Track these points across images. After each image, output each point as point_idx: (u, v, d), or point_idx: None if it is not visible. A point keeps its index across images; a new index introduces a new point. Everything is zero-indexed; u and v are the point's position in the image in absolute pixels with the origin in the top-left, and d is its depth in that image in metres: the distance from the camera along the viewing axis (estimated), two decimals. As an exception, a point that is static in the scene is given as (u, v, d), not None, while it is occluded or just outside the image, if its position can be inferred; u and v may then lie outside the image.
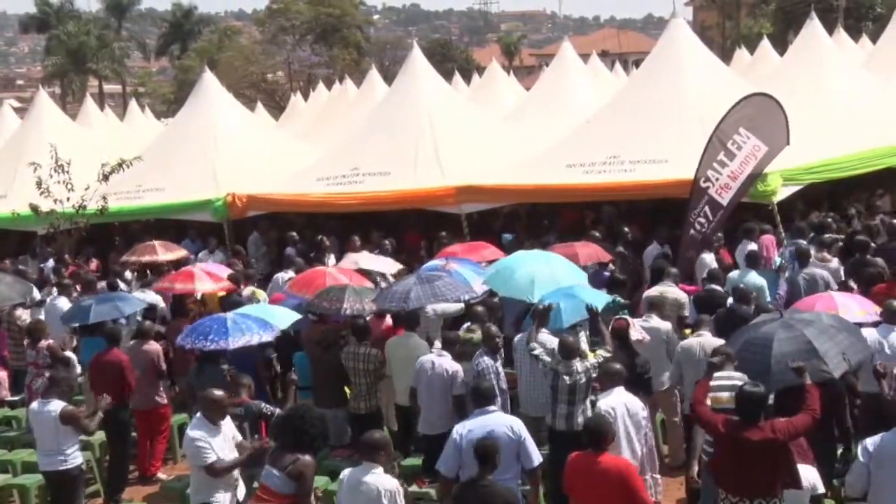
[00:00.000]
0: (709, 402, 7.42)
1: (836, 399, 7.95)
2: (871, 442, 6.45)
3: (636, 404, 7.70)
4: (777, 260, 12.09)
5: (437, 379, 8.89)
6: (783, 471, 6.47)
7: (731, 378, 7.46)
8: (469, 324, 10.04)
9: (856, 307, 9.01)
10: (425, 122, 16.97)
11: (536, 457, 7.18)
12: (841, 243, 12.58)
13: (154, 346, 10.41)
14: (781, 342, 7.28)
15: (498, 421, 7.15)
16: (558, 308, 9.33)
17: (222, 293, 12.34)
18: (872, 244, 12.12)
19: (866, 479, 6.40)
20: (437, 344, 9.74)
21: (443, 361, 8.96)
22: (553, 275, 10.22)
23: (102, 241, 18.12)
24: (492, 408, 7.20)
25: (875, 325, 8.72)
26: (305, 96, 36.40)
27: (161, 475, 10.30)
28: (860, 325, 8.72)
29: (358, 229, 15.34)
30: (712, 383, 7.53)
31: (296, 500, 6.63)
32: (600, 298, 9.81)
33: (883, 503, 6.42)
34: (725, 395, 7.34)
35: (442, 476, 7.27)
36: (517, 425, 7.21)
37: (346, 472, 6.79)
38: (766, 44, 28.80)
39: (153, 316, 11.70)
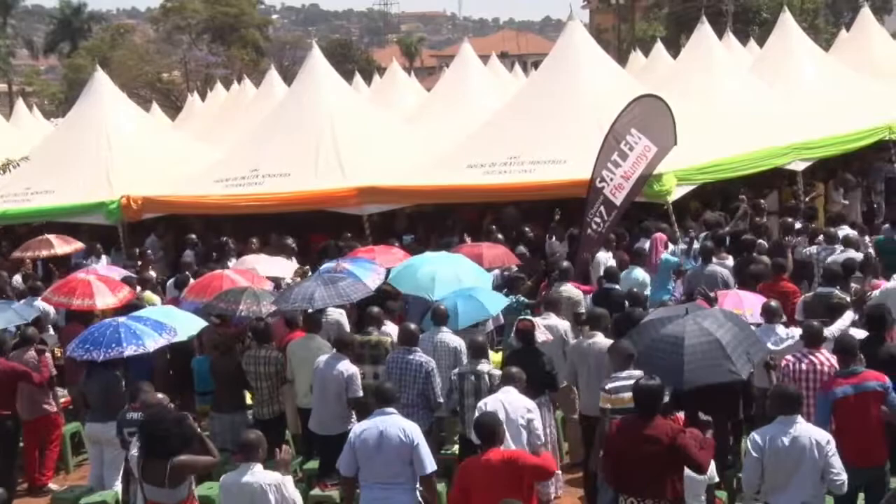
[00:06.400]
0: (609, 404, 7.49)
1: (730, 392, 8.05)
2: (759, 434, 6.47)
3: (519, 406, 7.47)
4: (670, 258, 12.29)
5: (333, 381, 8.78)
6: (677, 470, 6.38)
7: (631, 377, 7.37)
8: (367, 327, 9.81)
9: (759, 304, 9.18)
10: (326, 122, 16.83)
11: (430, 464, 6.86)
12: (729, 241, 12.99)
13: (30, 354, 9.97)
14: (693, 343, 7.21)
15: (392, 423, 6.92)
16: (455, 309, 9.37)
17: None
18: (762, 242, 12.53)
19: (760, 472, 6.40)
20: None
21: (339, 364, 8.82)
22: (456, 275, 10.30)
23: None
24: (390, 409, 7.02)
25: (757, 324, 8.88)
26: (203, 96, 35.70)
27: (52, 486, 9.96)
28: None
29: (258, 231, 15.11)
30: (613, 384, 7.55)
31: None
32: (499, 301, 9.88)
33: (773, 493, 6.46)
34: (628, 395, 7.28)
35: (342, 476, 7.18)
36: (411, 429, 6.89)
37: (224, 478, 6.68)
38: (659, 46, 29.50)
39: (39, 325, 11.16)
